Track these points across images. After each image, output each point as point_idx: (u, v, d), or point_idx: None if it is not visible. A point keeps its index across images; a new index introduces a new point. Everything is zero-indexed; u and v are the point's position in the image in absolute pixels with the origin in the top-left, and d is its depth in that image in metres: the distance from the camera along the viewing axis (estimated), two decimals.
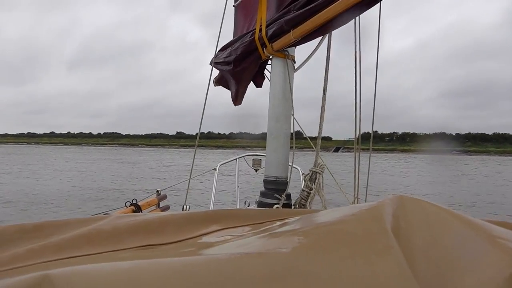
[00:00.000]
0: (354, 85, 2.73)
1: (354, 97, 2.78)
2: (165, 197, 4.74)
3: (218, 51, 3.39)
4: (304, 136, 3.22)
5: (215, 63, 3.30)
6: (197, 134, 3.50)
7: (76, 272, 0.56)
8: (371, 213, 0.74)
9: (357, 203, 2.79)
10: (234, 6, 3.53)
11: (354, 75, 2.71)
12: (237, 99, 3.38)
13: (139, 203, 3.91)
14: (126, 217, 0.98)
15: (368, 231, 0.66)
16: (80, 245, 0.81)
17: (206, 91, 3.39)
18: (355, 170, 2.82)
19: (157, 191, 4.72)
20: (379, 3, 2.17)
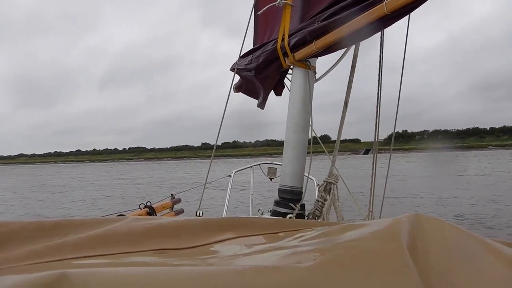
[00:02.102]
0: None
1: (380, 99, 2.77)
2: (179, 200, 4.75)
3: (239, 58, 3.41)
4: (322, 146, 3.20)
5: (237, 69, 3.32)
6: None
7: (93, 273, 0.56)
8: (388, 231, 0.73)
9: (372, 217, 2.77)
10: (258, 14, 3.56)
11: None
12: (261, 104, 3.43)
13: (153, 206, 3.93)
14: (142, 220, 0.98)
15: (385, 249, 0.66)
16: (96, 245, 0.82)
17: (227, 97, 3.40)
18: (371, 183, 2.80)
19: (172, 194, 4.73)
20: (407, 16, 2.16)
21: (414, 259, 0.61)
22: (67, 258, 0.76)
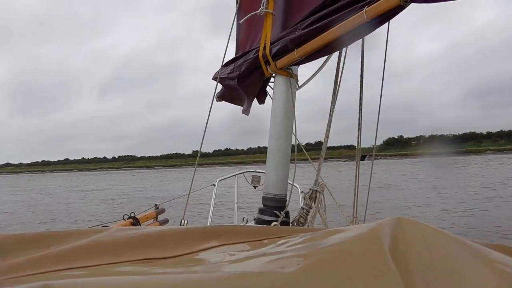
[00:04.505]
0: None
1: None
2: (163, 211, 4.73)
3: (221, 66, 3.41)
4: (306, 154, 3.21)
5: (220, 78, 3.32)
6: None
7: (76, 284, 0.55)
8: (370, 235, 0.74)
9: (356, 223, 2.79)
10: (239, 23, 3.57)
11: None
12: (245, 110, 3.44)
13: (137, 216, 3.90)
14: (125, 230, 0.97)
15: (367, 251, 0.67)
16: (79, 256, 0.81)
17: (210, 106, 3.39)
18: (355, 189, 2.82)
19: (156, 204, 4.71)
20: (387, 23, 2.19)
21: (396, 261, 0.62)
22: (49, 270, 0.75)
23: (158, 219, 4.55)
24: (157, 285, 0.56)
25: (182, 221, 3.75)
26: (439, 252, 0.68)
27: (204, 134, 3.32)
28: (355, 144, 2.92)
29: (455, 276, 0.62)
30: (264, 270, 0.66)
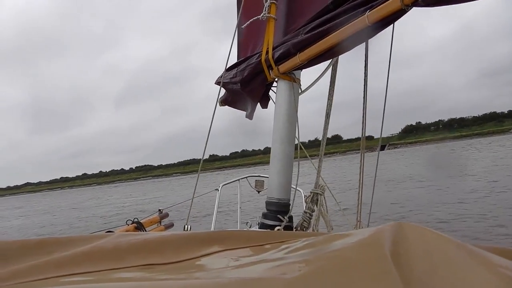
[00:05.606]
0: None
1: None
2: (167, 215, 4.74)
3: (224, 71, 3.42)
4: (309, 158, 3.21)
5: (223, 83, 3.33)
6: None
7: None
8: (371, 239, 0.74)
9: (360, 226, 2.78)
10: (241, 28, 3.58)
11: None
12: (249, 115, 3.44)
13: (141, 221, 3.91)
14: (127, 235, 0.97)
15: (367, 256, 0.67)
16: (81, 262, 0.81)
17: (213, 111, 3.39)
18: (359, 193, 2.82)
19: (159, 209, 4.72)
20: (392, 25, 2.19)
21: (396, 265, 0.62)
22: (51, 276, 0.75)
23: (162, 223, 4.56)
24: None
25: (185, 226, 3.75)
26: (440, 256, 0.68)
27: (208, 138, 3.32)
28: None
29: (456, 280, 0.62)
30: (264, 276, 0.66)
